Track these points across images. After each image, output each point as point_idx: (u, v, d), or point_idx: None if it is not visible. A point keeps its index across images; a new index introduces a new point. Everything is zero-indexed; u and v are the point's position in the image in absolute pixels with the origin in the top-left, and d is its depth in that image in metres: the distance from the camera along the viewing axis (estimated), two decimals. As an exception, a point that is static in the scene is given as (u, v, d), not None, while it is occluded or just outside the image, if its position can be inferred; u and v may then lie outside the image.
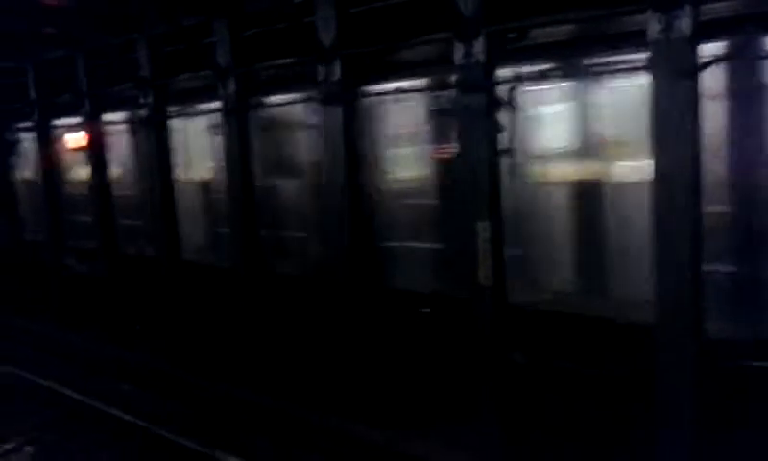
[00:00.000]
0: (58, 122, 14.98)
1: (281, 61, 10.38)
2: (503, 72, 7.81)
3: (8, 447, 9.87)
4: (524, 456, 8.09)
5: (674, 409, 6.72)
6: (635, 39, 6.70)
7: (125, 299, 14.02)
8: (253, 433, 9.71)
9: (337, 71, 9.05)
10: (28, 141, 16.25)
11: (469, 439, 8.31)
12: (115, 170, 13.91)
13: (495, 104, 7.67)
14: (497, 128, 7.68)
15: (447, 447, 8.45)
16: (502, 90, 7.76)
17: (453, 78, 8.10)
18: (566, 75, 8.10)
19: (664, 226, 6.55)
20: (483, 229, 7.69)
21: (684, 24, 6.22)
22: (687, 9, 6.19)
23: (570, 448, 7.89)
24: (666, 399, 6.73)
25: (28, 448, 9.85)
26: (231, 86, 10.56)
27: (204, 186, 12.25)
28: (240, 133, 10.73)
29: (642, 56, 6.61)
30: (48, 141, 15.18)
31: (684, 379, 6.65)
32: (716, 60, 6.48)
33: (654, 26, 6.38)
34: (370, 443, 8.88)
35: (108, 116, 13.69)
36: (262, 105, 10.95)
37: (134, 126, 13.03)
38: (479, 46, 7.64)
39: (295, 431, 9.57)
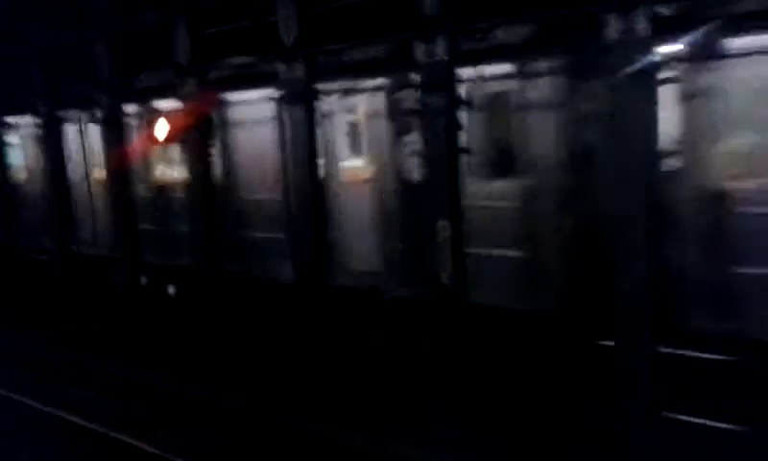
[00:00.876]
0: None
1: (243, 60, 10.31)
2: (465, 72, 7.85)
3: None
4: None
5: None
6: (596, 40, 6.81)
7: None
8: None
9: (299, 70, 8.99)
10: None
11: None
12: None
13: (456, 103, 7.68)
14: (457, 126, 7.68)
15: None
16: (463, 89, 7.79)
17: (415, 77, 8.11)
18: (524, 76, 8.24)
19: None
20: (443, 227, 7.69)
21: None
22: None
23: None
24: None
25: None
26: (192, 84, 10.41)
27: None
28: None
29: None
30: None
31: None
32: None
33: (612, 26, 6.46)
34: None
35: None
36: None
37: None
38: (441, 46, 7.66)
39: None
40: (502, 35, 7.97)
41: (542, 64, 7.46)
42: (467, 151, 7.74)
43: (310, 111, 9.11)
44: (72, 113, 13.09)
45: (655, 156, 6.61)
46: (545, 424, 7.57)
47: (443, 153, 7.75)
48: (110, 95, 11.83)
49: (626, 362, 6.78)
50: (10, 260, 15.31)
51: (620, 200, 6.63)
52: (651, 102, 6.46)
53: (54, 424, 10.24)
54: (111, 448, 9.33)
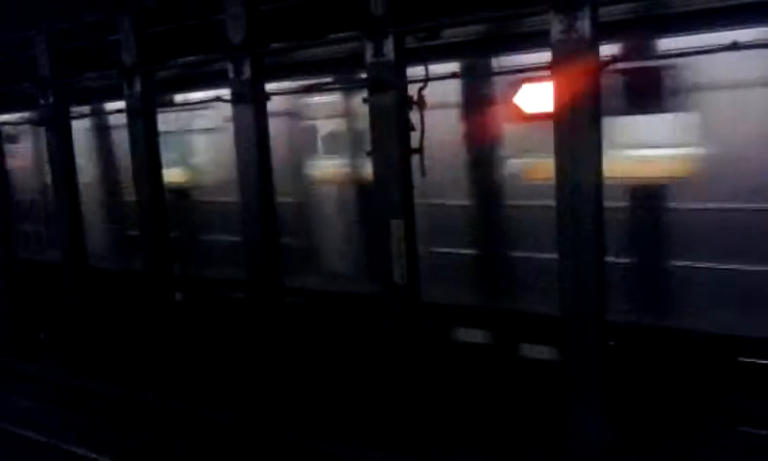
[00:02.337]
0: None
1: (189, 60, 10.18)
2: (414, 71, 7.89)
3: None
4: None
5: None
6: (538, 40, 6.92)
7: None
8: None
9: (247, 70, 8.89)
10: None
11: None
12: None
13: (406, 103, 7.70)
14: (407, 126, 7.71)
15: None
16: (413, 90, 7.81)
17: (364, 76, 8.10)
18: (474, 75, 8.34)
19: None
20: (396, 226, 7.72)
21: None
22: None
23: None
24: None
25: None
26: (137, 86, 10.19)
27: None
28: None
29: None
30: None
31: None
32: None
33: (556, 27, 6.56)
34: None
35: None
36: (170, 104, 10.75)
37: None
38: (389, 45, 7.66)
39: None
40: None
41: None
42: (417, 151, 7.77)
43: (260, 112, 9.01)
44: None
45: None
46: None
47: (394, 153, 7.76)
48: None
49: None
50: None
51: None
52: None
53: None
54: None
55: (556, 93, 6.64)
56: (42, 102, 11.51)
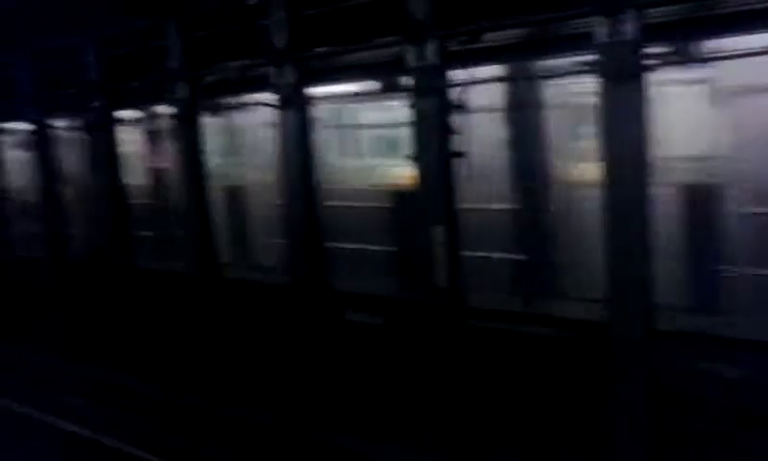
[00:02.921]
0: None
1: (234, 64, 10.32)
2: (457, 74, 7.90)
3: None
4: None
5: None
6: (583, 42, 6.86)
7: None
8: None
9: (290, 74, 9.00)
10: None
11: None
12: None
13: (448, 107, 7.71)
14: (450, 130, 7.72)
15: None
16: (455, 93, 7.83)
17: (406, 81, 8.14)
18: (516, 78, 8.31)
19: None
20: (439, 232, 7.73)
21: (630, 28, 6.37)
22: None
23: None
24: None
25: None
26: (183, 91, 10.39)
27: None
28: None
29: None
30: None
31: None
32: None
33: (600, 30, 6.51)
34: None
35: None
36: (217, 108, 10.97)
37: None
38: (431, 49, 7.68)
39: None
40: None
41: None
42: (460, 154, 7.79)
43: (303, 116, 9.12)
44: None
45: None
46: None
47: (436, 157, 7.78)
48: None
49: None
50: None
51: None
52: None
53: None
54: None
55: (599, 95, 6.60)
56: (90, 106, 11.79)
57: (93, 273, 13.25)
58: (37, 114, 13.21)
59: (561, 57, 7.86)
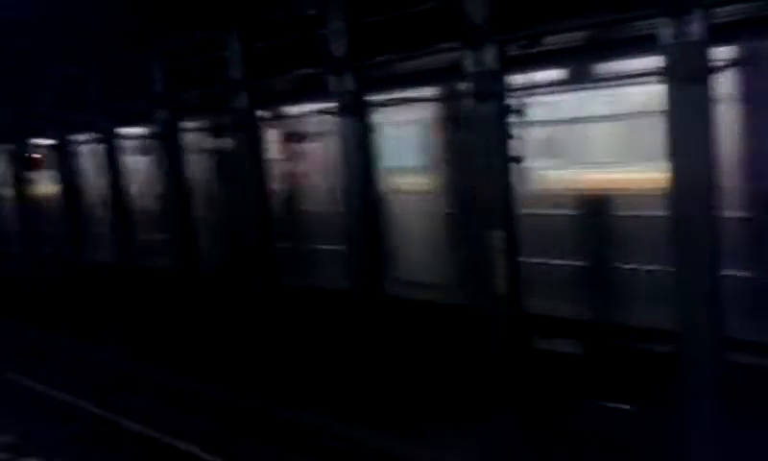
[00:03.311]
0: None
1: (293, 74, 10.48)
2: (515, 79, 7.83)
3: None
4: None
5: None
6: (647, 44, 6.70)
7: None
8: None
9: (349, 82, 9.07)
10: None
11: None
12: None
13: (506, 112, 7.64)
14: (508, 135, 7.65)
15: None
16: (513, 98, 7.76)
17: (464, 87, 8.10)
18: (578, 81, 8.15)
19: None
20: (497, 238, 7.66)
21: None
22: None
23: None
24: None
25: None
26: (243, 100, 10.59)
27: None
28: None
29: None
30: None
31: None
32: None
33: (666, 31, 6.34)
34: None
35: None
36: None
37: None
38: (490, 54, 7.63)
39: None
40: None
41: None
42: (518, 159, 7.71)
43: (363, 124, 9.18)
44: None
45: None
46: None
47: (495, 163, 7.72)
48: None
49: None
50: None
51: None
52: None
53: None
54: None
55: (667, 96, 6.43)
56: (157, 117, 12.14)
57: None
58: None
59: (624, 59, 7.73)
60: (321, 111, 9.76)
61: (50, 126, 15.18)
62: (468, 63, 7.79)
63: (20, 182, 17.01)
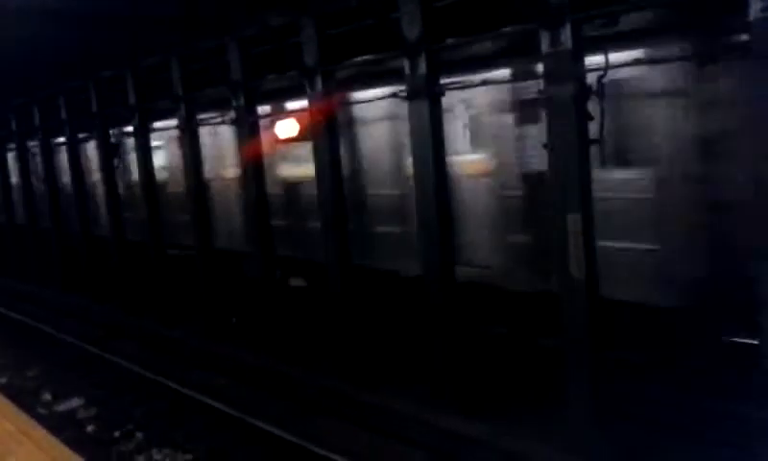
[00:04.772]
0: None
1: (364, 58, 10.56)
2: (592, 60, 7.68)
3: None
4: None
5: None
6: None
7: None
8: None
9: (422, 66, 9.08)
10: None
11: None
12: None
13: (583, 93, 7.51)
14: (586, 117, 7.52)
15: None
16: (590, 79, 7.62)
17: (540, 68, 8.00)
18: (656, 61, 7.93)
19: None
20: (573, 221, 7.56)
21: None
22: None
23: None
24: None
25: None
26: (318, 85, 10.74)
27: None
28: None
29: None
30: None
31: None
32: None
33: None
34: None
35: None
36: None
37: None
38: (566, 34, 7.50)
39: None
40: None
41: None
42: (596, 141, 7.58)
43: (435, 107, 9.17)
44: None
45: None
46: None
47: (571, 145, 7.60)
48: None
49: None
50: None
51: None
52: None
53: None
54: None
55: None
56: (235, 103, 12.44)
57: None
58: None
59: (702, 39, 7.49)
60: (393, 95, 9.81)
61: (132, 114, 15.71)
62: (544, 44, 7.68)
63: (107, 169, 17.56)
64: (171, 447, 10.23)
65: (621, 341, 8.65)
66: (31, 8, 9.79)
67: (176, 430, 10.79)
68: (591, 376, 7.87)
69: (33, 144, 21.61)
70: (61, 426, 10.78)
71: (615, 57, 7.65)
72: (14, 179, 23.35)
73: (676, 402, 8.47)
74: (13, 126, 21.87)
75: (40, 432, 7.06)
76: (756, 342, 6.70)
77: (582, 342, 7.83)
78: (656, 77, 8.02)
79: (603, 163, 7.96)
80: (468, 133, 10.23)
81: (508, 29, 8.64)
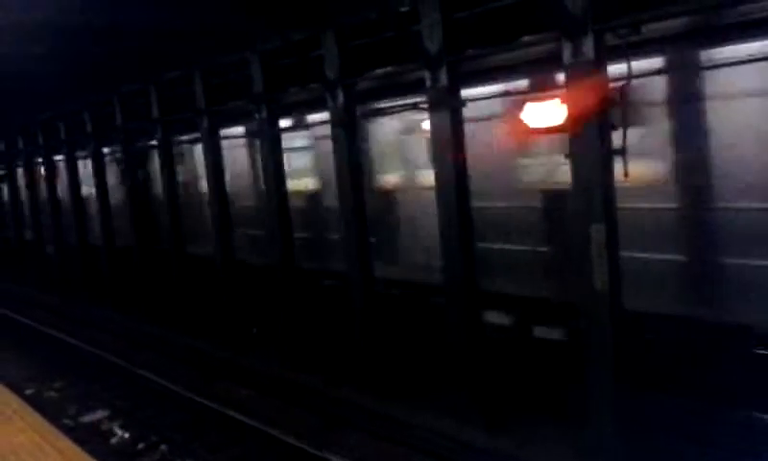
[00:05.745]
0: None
1: (386, 70, 10.59)
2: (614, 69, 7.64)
3: None
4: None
5: None
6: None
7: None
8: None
9: (443, 77, 9.09)
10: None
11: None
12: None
13: (606, 102, 7.47)
14: (609, 126, 7.48)
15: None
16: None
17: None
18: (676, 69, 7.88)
19: None
20: (597, 231, 7.50)
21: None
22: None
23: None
24: None
25: None
26: (340, 97, 10.79)
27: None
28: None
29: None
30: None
31: None
32: None
33: None
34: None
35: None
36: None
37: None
38: (588, 44, 7.47)
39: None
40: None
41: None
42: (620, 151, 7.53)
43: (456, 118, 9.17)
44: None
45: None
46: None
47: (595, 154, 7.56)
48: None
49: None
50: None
51: None
52: None
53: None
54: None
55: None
56: (257, 116, 12.55)
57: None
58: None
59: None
60: (414, 107, 9.83)
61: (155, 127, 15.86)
62: (566, 54, 7.66)
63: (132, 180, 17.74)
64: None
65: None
66: (48, 24, 9.76)
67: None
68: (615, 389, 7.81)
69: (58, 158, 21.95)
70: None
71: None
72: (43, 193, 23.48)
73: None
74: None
75: (65, 443, 7.13)
76: None
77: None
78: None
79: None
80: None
81: (527, 39, 8.62)
